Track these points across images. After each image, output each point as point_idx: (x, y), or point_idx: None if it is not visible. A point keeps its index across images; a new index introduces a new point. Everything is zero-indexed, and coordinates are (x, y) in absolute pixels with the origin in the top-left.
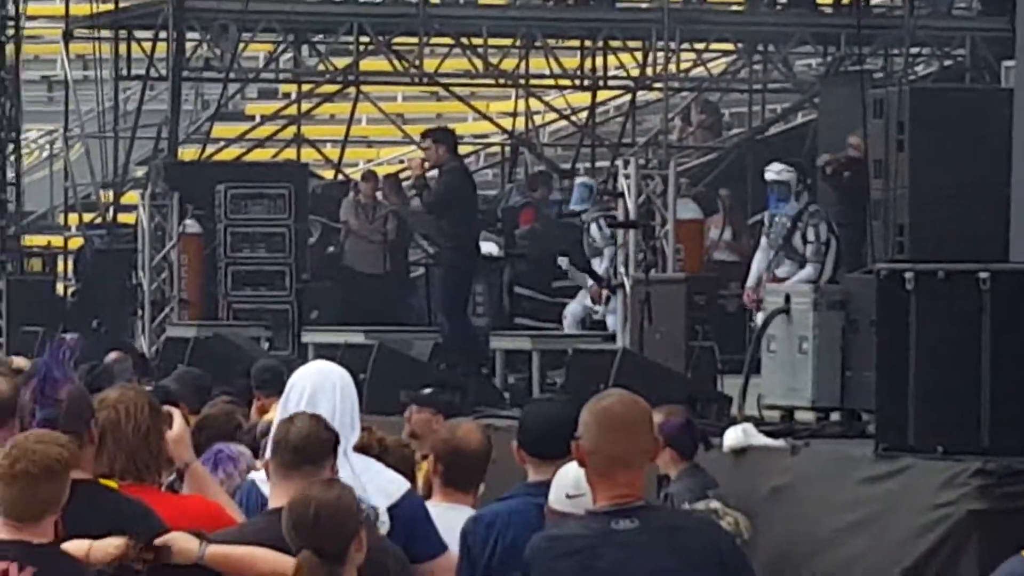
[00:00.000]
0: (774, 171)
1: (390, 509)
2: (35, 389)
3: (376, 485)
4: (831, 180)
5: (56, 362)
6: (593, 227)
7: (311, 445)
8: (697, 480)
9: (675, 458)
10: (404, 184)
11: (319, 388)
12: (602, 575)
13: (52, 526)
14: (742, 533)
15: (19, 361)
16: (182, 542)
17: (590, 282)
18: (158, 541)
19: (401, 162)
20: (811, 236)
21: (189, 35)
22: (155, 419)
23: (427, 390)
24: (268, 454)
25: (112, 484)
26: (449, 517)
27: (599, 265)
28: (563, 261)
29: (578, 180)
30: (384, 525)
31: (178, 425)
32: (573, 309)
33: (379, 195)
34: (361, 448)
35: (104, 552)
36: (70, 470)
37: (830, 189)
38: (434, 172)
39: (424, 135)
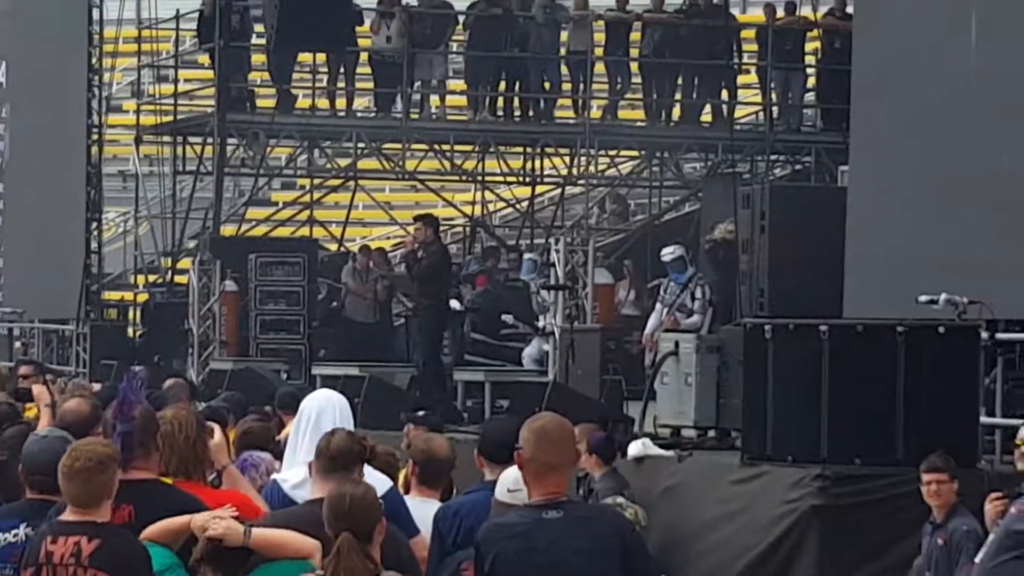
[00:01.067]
0: (669, 252)
1: None
2: (115, 409)
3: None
4: (710, 255)
5: (131, 389)
6: (542, 292)
7: (343, 455)
8: (615, 481)
9: (599, 463)
10: (390, 255)
11: (323, 410)
12: (538, 553)
13: (109, 510)
14: (640, 522)
15: (97, 387)
16: (233, 526)
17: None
18: (213, 531)
19: (388, 239)
20: (698, 295)
21: (229, 140)
22: (200, 431)
23: (421, 412)
24: (313, 458)
25: (168, 481)
26: (422, 508)
27: (546, 319)
28: (508, 317)
29: (526, 256)
30: None
31: (218, 436)
32: (529, 351)
33: (371, 264)
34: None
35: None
36: (117, 464)
37: (708, 262)
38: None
39: (416, 219)
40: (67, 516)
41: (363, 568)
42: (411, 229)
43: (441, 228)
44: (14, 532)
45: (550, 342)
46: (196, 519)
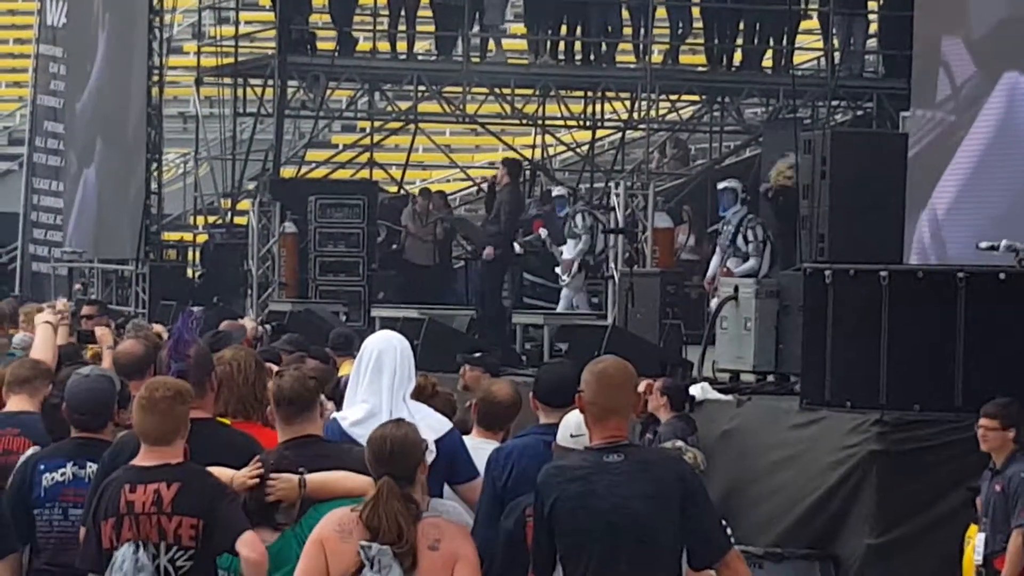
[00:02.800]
0: (724, 182)
1: (436, 442)
2: (170, 348)
3: (427, 423)
4: (772, 201)
5: (186, 328)
6: (578, 216)
7: (299, 397)
8: (681, 426)
9: (667, 406)
10: (450, 198)
11: (384, 351)
12: (598, 496)
13: (183, 449)
14: (699, 465)
15: (158, 328)
16: (289, 488)
17: (563, 255)
18: (273, 495)
19: (448, 182)
20: (751, 236)
21: (290, 82)
22: (259, 372)
23: (477, 354)
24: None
25: (226, 421)
26: (482, 451)
27: (573, 246)
28: (543, 231)
29: (555, 192)
30: (431, 454)
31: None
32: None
33: (431, 206)
34: (418, 388)
35: (241, 480)
36: (190, 399)
37: (769, 208)
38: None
39: (502, 162)
40: (142, 459)
41: (403, 510)
42: (471, 172)
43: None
44: (61, 471)
45: (605, 284)
46: (237, 476)
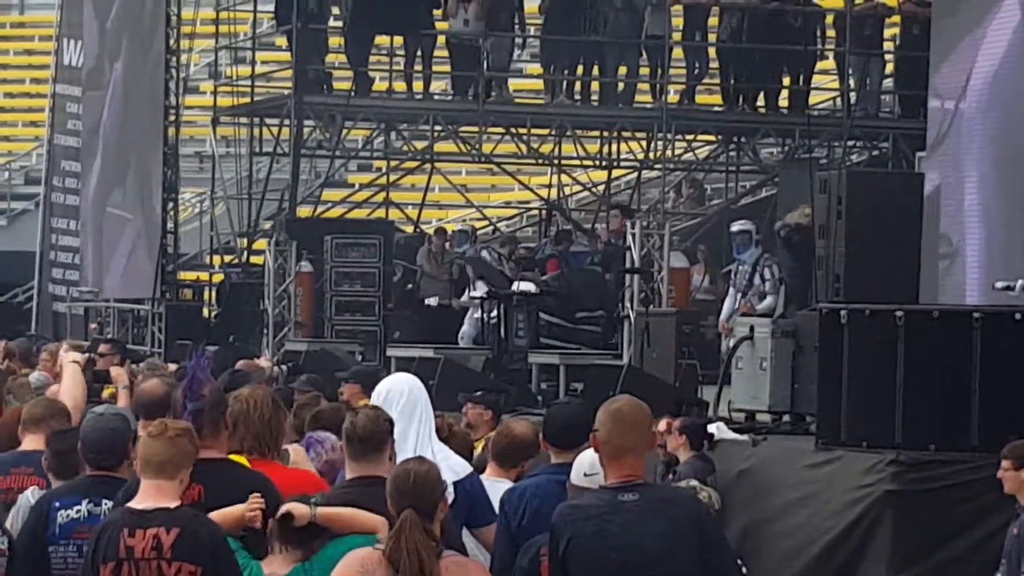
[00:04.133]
0: (737, 225)
1: (456, 484)
2: (184, 388)
3: (448, 465)
4: (786, 241)
5: (200, 368)
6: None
7: (373, 436)
8: (701, 465)
9: (686, 446)
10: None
11: (391, 391)
12: (613, 535)
13: (181, 489)
14: (714, 505)
15: (172, 367)
16: (298, 508)
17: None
18: (282, 509)
19: (464, 221)
20: (767, 275)
21: (306, 122)
22: (276, 410)
23: (479, 392)
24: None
25: (242, 460)
26: (496, 488)
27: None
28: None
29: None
30: (449, 496)
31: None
32: (467, 331)
33: (447, 246)
34: (435, 429)
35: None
36: (197, 443)
37: (785, 248)
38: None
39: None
40: (140, 501)
41: (426, 544)
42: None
43: (518, 211)
44: (76, 508)
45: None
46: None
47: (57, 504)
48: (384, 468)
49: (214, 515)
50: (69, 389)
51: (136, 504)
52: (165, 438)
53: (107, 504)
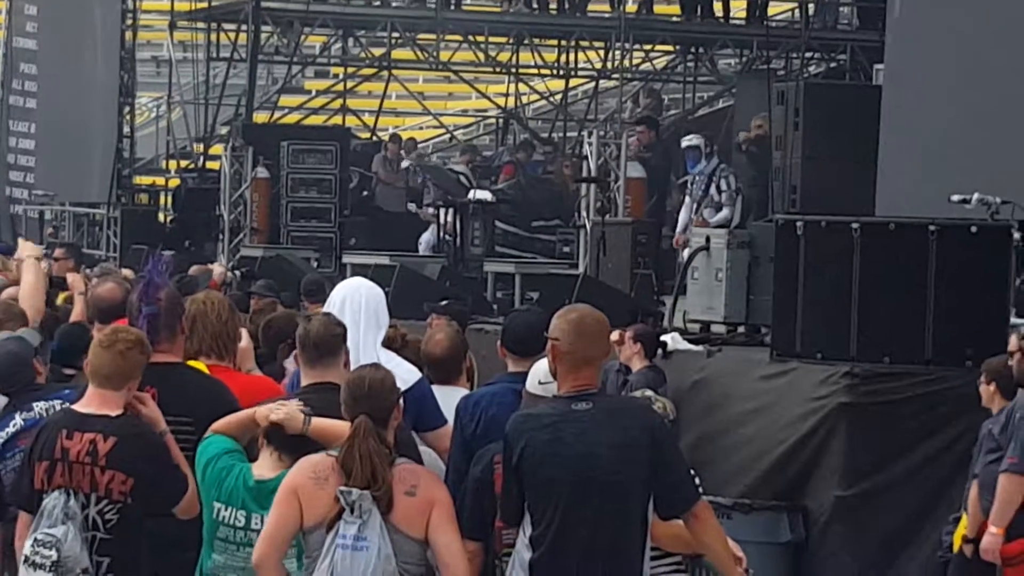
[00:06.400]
0: (687, 140)
1: (405, 392)
2: (140, 292)
3: (396, 373)
4: (744, 152)
5: (157, 272)
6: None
7: (326, 342)
8: (653, 375)
9: (640, 355)
10: (421, 145)
11: (348, 297)
12: (566, 444)
13: (127, 398)
14: (669, 415)
15: (127, 273)
16: (294, 414)
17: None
18: (275, 415)
19: (420, 128)
20: (724, 186)
21: (264, 28)
22: (232, 314)
23: (444, 302)
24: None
25: (200, 365)
26: (446, 398)
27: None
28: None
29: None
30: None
31: (245, 340)
32: (426, 238)
33: (402, 153)
34: (388, 340)
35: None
36: (149, 354)
37: (743, 158)
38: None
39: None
40: (84, 404)
41: (378, 451)
42: (444, 119)
43: (475, 119)
44: (13, 424)
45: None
46: (260, 410)
47: None
48: (338, 374)
49: (221, 422)
50: (30, 289)
51: (79, 407)
52: (115, 351)
53: (39, 405)
